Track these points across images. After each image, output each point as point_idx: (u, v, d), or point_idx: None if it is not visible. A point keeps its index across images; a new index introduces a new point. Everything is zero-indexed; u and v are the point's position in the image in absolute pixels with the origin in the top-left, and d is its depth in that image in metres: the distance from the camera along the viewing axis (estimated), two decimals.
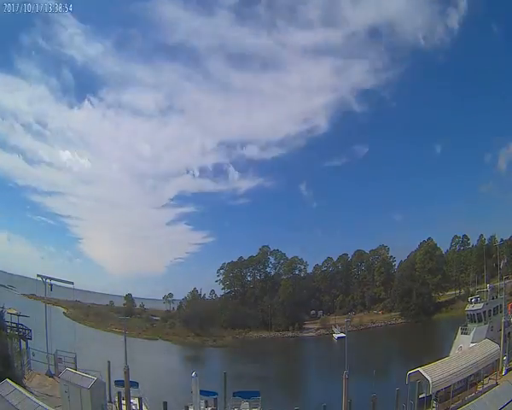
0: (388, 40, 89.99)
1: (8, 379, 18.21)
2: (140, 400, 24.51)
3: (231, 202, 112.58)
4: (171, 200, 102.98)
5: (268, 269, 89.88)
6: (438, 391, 22.14)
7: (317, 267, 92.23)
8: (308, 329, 77.19)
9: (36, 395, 20.29)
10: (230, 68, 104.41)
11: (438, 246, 79.47)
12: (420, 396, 22.74)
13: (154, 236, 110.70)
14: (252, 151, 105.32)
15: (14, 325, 31.63)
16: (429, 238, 79.34)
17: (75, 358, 29.94)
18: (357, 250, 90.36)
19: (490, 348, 25.66)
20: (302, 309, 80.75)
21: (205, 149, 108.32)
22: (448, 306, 71.16)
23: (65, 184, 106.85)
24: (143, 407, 24.70)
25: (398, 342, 63.88)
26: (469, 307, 32.08)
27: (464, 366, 23.28)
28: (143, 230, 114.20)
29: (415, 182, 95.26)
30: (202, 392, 23.29)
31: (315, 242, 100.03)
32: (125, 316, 55.01)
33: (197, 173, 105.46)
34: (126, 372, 23.41)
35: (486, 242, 73.70)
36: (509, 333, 29.01)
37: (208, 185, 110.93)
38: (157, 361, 54.95)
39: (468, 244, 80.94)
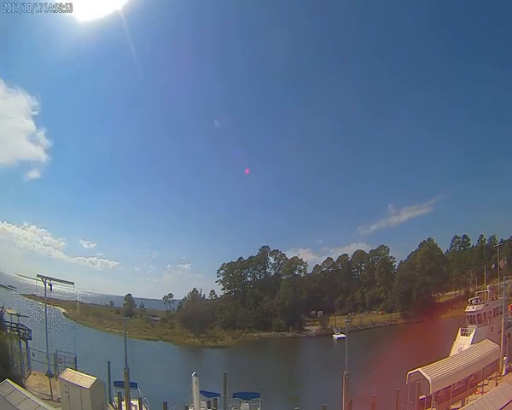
0: None
1: (8, 379, 18.26)
2: (140, 401, 24.50)
3: None
4: None
5: (268, 269, 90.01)
6: (438, 391, 22.11)
7: (316, 267, 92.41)
8: (308, 329, 77.17)
9: (36, 395, 20.31)
10: None
11: (438, 246, 79.57)
12: (420, 398, 22.74)
13: None
14: None
15: (14, 326, 31.69)
16: (429, 238, 79.42)
17: (75, 358, 30.02)
18: (358, 250, 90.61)
19: (490, 348, 25.60)
20: (302, 310, 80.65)
21: None
22: (448, 306, 71.07)
23: None
24: (143, 407, 24.69)
25: (398, 342, 63.81)
26: (469, 308, 31.99)
27: (464, 366, 23.23)
28: None
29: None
30: (203, 392, 23.29)
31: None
32: (125, 316, 55.10)
33: None
34: (126, 373, 23.38)
35: (487, 242, 73.79)
36: (509, 334, 28.99)
37: None
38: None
39: (469, 244, 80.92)
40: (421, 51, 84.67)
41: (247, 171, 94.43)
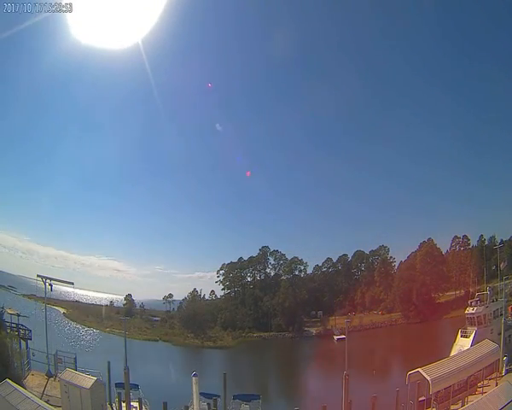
0: None
1: (8, 379, 18.26)
2: (140, 401, 24.45)
3: None
4: None
5: (268, 270, 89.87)
6: (438, 391, 22.11)
7: (316, 268, 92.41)
8: (308, 330, 77.14)
9: (36, 395, 20.30)
10: None
11: (438, 246, 79.49)
12: (420, 399, 22.75)
13: None
14: None
15: (14, 326, 31.68)
16: (429, 238, 79.35)
17: (75, 358, 29.98)
18: (357, 251, 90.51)
19: (489, 348, 25.60)
20: (302, 310, 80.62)
21: None
22: (448, 306, 71.00)
23: None
24: (143, 408, 24.65)
25: (398, 342, 63.87)
26: (469, 310, 31.96)
27: (464, 366, 23.23)
28: None
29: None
30: (203, 394, 23.20)
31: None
32: (124, 317, 55.07)
33: None
34: (126, 373, 23.33)
35: (487, 242, 73.70)
36: (509, 336, 28.95)
37: None
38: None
39: (469, 245, 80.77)
40: (430, 45, 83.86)
41: (247, 173, 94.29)
